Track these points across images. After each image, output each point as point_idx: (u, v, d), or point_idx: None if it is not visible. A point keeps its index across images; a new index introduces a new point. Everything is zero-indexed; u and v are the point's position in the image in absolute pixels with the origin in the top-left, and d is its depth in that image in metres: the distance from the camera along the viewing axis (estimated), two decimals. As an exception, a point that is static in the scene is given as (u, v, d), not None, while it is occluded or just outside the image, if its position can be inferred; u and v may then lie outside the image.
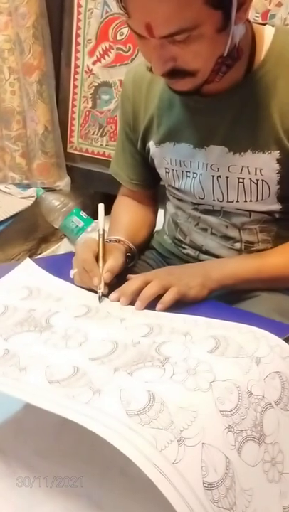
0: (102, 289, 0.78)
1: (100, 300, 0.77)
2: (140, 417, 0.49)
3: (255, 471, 0.52)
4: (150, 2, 0.62)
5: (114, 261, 0.82)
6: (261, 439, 0.54)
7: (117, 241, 0.91)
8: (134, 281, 0.77)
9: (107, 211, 0.91)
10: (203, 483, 0.46)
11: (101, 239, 0.84)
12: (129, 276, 0.82)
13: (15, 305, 0.74)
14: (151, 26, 0.64)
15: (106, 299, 0.78)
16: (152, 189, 1.04)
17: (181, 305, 0.75)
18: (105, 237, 0.89)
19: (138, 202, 1.05)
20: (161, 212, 1.09)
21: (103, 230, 0.87)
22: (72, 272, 0.84)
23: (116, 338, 0.64)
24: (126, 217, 1.02)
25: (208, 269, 0.82)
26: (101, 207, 0.90)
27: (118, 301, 0.77)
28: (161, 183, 1.00)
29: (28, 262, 0.89)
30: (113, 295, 0.77)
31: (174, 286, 0.75)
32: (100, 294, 0.77)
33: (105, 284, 0.79)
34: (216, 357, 0.59)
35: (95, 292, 0.78)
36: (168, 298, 0.74)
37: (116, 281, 0.81)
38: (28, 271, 0.87)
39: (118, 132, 1.05)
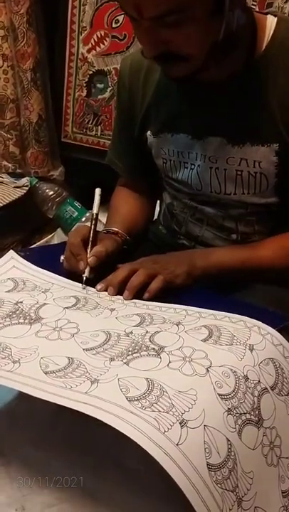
0: (86, 273, 0.78)
1: (82, 283, 0.78)
2: (140, 402, 0.49)
3: (255, 454, 0.53)
4: None
5: (103, 247, 0.82)
6: (260, 422, 0.54)
7: (115, 233, 0.91)
8: (120, 271, 0.77)
9: (101, 200, 0.90)
10: (207, 464, 0.47)
11: (93, 223, 0.84)
12: (118, 265, 0.81)
13: (1, 297, 0.73)
14: (140, 7, 0.64)
15: (94, 289, 0.78)
16: (150, 178, 1.03)
17: (172, 294, 0.76)
18: (103, 228, 0.88)
19: (136, 192, 1.04)
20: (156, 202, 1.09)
21: (96, 215, 0.87)
22: (62, 258, 0.84)
23: (108, 329, 0.64)
24: (124, 208, 1.01)
25: (194, 257, 0.82)
26: (98, 191, 0.90)
27: (105, 291, 0.77)
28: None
29: (11, 253, 0.88)
30: (99, 285, 0.78)
31: (160, 275, 0.76)
32: (84, 278, 0.78)
33: (91, 268, 0.79)
34: (209, 345, 0.60)
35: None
36: (154, 286, 0.75)
37: (108, 272, 0.81)
38: (11, 263, 0.86)
39: (114, 121, 1.04)
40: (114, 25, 1.53)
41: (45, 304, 0.71)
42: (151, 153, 0.93)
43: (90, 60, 1.62)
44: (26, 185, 1.74)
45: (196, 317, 0.68)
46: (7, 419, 0.68)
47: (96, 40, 1.58)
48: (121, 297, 0.75)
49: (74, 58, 1.65)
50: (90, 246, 0.81)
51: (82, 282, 0.78)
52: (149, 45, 0.69)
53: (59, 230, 1.80)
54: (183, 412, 0.49)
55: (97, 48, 1.59)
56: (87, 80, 1.65)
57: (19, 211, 1.71)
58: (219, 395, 0.52)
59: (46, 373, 0.54)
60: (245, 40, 0.75)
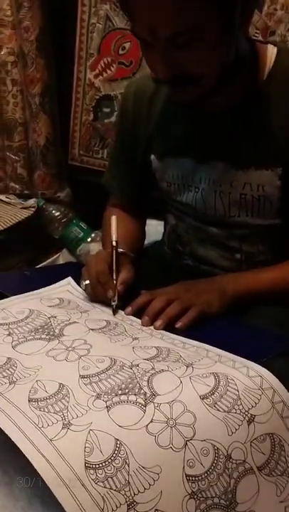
0: (116, 301, 0.79)
1: (114, 312, 0.78)
2: (97, 472, 0.46)
3: None
4: (152, 2, 0.62)
5: (128, 273, 0.83)
6: (231, 507, 0.50)
7: (122, 253, 0.91)
8: (157, 302, 0.76)
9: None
10: None
11: (114, 251, 0.85)
12: (142, 291, 0.81)
13: (40, 310, 0.74)
14: (154, 28, 0.65)
15: (129, 317, 0.78)
16: (143, 202, 1.05)
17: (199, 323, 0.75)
18: (102, 248, 0.88)
19: (127, 213, 1.05)
20: (161, 223, 1.10)
21: (116, 242, 0.87)
22: (83, 284, 0.84)
23: (117, 356, 0.62)
24: (120, 229, 1.02)
25: (224, 283, 0.82)
26: (114, 219, 0.91)
27: (132, 314, 0.77)
28: (160, 193, 1.01)
29: (69, 280, 0.90)
30: (128, 309, 0.78)
31: (196, 306, 0.75)
32: (114, 307, 0.79)
33: (119, 296, 0.79)
34: (205, 406, 0.54)
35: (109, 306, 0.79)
36: (190, 318, 0.74)
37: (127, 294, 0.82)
38: (66, 287, 0.88)
39: (113, 144, 1.05)
40: (120, 52, 1.57)
41: (75, 322, 0.72)
42: (155, 176, 0.95)
43: (97, 85, 1.66)
44: (33, 206, 1.76)
45: (213, 361, 0.62)
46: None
47: (103, 66, 1.62)
48: (151, 327, 0.74)
49: (81, 83, 1.69)
50: (114, 274, 0.81)
51: (112, 309, 0.79)
52: (163, 67, 0.68)
53: (64, 250, 1.81)
54: (136, 493, 0.45)
55: (104, 74, 1.62)
56: (94, 104, 1.68)
57: (26, 231, 1.72)
58: (187, 475, 0.48)
59: (30, 401, 0.53)
60: (247, 67, 0.77)
